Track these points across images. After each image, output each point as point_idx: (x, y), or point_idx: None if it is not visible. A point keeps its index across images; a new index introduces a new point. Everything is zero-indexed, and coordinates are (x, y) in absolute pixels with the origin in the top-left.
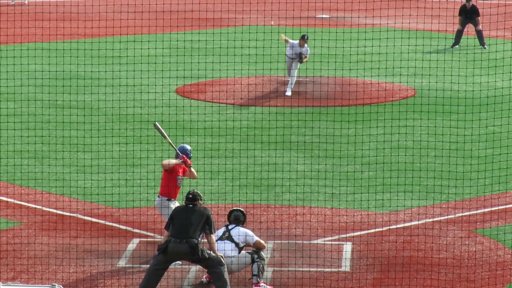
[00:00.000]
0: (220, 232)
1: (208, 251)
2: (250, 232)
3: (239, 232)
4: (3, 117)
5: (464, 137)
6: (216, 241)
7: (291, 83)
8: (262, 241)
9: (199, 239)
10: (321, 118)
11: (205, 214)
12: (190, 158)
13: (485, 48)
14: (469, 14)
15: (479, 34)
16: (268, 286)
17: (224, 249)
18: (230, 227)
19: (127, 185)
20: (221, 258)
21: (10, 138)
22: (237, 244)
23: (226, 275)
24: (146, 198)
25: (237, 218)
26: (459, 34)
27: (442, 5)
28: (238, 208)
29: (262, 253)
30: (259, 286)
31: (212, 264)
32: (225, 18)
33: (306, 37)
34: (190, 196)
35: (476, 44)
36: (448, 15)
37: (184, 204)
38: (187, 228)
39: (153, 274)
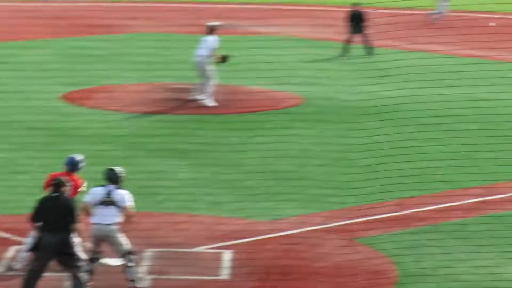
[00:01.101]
0: (98, 193)
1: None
2: (129, 196)
3: (120, 194)
4: None
5: (348, 146)
6: (97, 205)
7: (211, 91)
8: (134, 211)
9: (70, 231)
10: (206, 126)
11: (69, 205)
12: (79, 170)
13: (372, 57)
14: (357, 22)
15: (367, 43)
16: None
17: (107, 215)
18: (109, 189)
19: (10, 192)
20: (83, 256)
21: None
22: (119, 208)
23: (84, 276)
24: (28, 205)
25: (111, 177)
26: (347, 43)
27: (331, 14)
28: (112, 168)
29: (132, 256)
30: None
31: (72, 263)
32: (114, 24)
33: (215, 26)
34: (54, 183)
35: (364, 53)
36: (337, 24)
37: (49, 193)
38: (57, 219)
39: (30, 277)
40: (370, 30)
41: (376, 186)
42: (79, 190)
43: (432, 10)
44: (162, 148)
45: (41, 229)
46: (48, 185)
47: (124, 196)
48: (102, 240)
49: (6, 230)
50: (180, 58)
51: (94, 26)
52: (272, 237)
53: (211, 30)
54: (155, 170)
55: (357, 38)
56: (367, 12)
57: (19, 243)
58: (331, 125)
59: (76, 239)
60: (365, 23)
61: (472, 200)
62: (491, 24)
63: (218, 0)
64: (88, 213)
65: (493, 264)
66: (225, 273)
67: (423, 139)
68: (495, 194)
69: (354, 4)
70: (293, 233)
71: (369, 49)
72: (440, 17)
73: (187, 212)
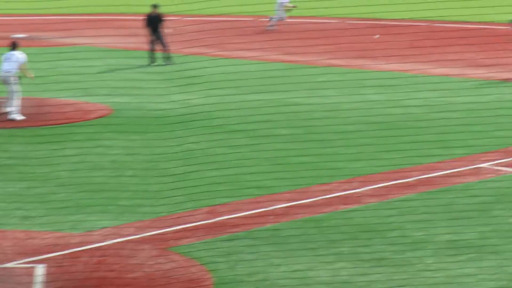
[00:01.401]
0: None
1: None
2: None
3: None
4: None
5: (158, 156)
6: None
7: (18, 105)
8: None
9: None
10: (13, 140)
11: None
12: None
13: (173, 64)
14: (154, 27)
15: (165, 50)
16: None
17: None
18: None
19: None
20: None
21: None
22: None
23: None
24: None
25: None
26: (152, 50)
27: (138, 24)
28: None
29: None
30: None
31: None
32: None
33: (19, 39)
34: None
35: (165, 61)
36: (143, 33)
37: None
38: None
39: None
40: (171, 36)
41: (187, 194)
42: None
43: (267, 17)
44: None
45: None
46: None
47: None
48: None
49: None
50: None
51: None
52: (84, 250)
53: (15, 44)
54: None
55: (157, 45)
56: (165, 17)
57: None
58: (141, 135)
59: None
60: (162, 28)
61: (284, 205)
62: (375, 36)
63: (27, 12)
64: None
65: (307, 267)
66: None
67: (233, 145)
68: (307, 198)
69: (153, 7)
70: (105, 245)
71: (168, 56)
72: (274, 24)
73: None
